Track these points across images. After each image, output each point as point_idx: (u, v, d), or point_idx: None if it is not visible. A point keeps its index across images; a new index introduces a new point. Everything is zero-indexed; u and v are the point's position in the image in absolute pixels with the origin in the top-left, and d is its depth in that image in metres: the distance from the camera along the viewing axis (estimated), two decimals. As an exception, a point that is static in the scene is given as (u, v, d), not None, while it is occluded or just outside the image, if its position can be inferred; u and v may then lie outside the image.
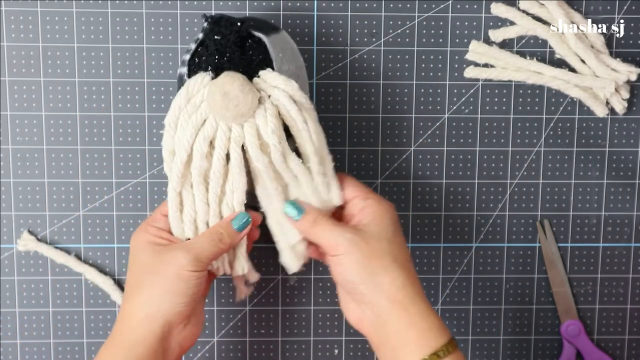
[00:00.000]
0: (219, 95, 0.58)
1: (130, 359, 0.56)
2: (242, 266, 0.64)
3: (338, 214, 0.63)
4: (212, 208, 0.62)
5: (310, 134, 0.61)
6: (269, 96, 0.60)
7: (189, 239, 0.61)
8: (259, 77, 0.60)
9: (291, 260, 0.64)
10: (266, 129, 0.59)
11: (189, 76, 0.61)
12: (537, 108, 0.72)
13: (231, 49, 0.61)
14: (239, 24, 0.61)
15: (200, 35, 0.61)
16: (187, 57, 0.62)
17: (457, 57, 0.71)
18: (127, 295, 0.60)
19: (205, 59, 0.61)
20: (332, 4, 0.70)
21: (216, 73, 0.59)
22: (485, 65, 0.71)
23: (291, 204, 0.61)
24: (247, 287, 0.68)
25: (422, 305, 0.57)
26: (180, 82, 0.62)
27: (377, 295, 0.57)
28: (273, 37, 0.62)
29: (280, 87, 0.60)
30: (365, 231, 0.59)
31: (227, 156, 0.60)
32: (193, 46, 0.61)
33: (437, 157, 0.72)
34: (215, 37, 0.60)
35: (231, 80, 0.58)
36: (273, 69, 0.61)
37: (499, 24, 0.71)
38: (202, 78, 0.60)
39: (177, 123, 0.60)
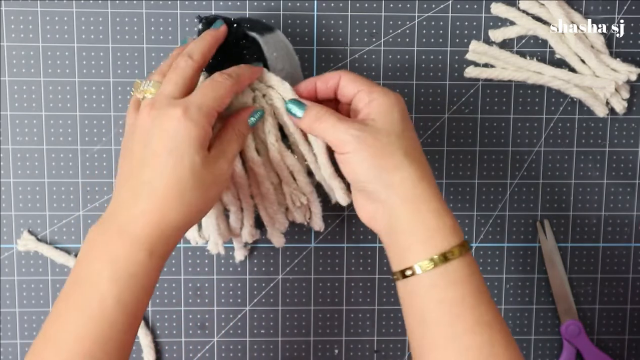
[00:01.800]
0: None
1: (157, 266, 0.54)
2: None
3: (344, 111, 0.61)
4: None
5: (302, 135, 0.61)
6: (264, 95, 0.60)
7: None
8: None
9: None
10: (262, 128, 0.60)
11: None
12: (537, 108, 0.72)
13: (225, 49, 0.61)
14: (233, 24, 0.61)
15: (195, 37, 0.62)
16: None
17: (457, 57, 0.71)
18: (160, 189, 0.53)
19: None
20: (332, 4, 0.70)
21: (211, 73, 0.60)
22: (485, 65, 0.71)
23: (292, 102, 0.59)
24: (245, 248, 0.69)
25: (434, 204, 0.54)
26: None
27: (387, 193, 0.54)
28: (267, 36, 0.62)
29: (274, 88, 0.60)
30: (373, 126, 0.55)
31: None
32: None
33: (437, 157, 0.72)
34: None
35: None
36: (268, 68, 0.61)
37: (499, 24, 0.71)
38: (200, 80, 0.60)
39: None
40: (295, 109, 0.59)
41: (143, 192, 0.53)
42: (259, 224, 0.67)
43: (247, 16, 0.68)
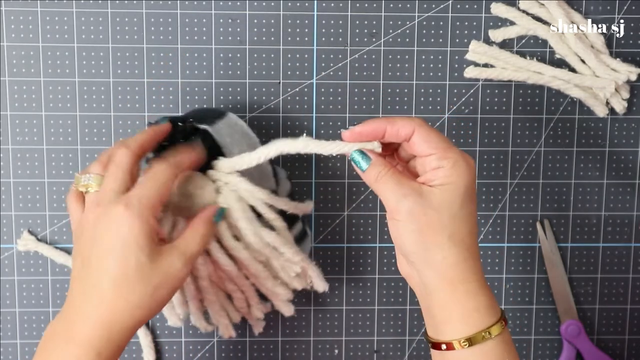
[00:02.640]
0: (177, 197, 0.60)
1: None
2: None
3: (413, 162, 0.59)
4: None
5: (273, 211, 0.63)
6: (226, 183, 0.61)
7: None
8: (212, 168, 0.62)
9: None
10: (232, 216, 0.61)
11: None
12: (537, 108, 0.72)
13: (178, 145, 0.62)
14: (179, 122, 0.62)
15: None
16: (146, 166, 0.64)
17: (457, 57, 0.71)
18: (106, 291, 0.53)
19: None
20: (332, 4, 0.70)
21: None
22: (485, 65, 0.71)
23: (359, 153, 0.57)
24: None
25: (473, 284, 0.54)
26: None
27: (426, 268, 0.54)
28: (218, 124, 0.63)
29: (234, 177, 0.61)
30: (429, 199, 0.54)
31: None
32: (150, 155, 0.63)
33: (437, 157, 0.72)
34: (163, 143, 0.62)
35: (186, 179, 0.60)
36: (224, 155, 0.62)
37: (499, 24, 0.71)
38: None
39: None
40: (360, 162, 0.57)
41: (92, 294, 0.54)
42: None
43: (189, 112, 0.68)
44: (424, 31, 0.70)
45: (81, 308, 0.54)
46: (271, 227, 0.64)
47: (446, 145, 0.55)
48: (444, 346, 0.54)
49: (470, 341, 0.53)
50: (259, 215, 0.63)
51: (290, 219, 0.66)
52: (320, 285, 0.67)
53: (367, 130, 0.56)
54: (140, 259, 0.53)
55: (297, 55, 0.70)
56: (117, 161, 0.57)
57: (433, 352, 0.56)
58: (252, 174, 0.62)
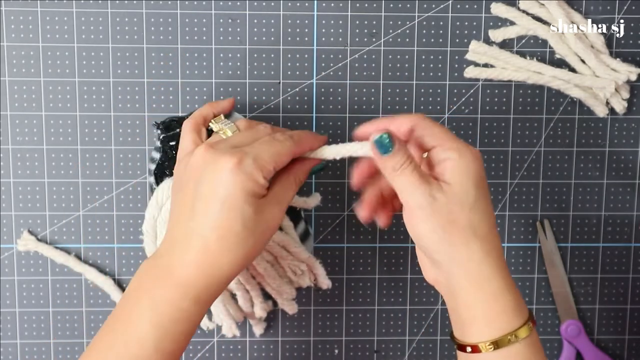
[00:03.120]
0: None
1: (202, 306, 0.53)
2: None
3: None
4: None
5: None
6: None
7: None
8: None
9: None
10: None
11: (157, 184, 0.64)
12: (537, 108, 0.72)
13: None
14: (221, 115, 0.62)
15: (158, 143, 0.64)
16: (153, 166, 0.65)
17: (457, 57, 0.71)
18: (210, 240, 0.52)
19: (167, 165, 0.64)
20: (332, 4, 0.70)
21: (170, 168, 0.61)
22: (485, 65, 0.71)
23: (381, 137, 0.53)
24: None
25: (499, 282, 0.52)
26: (151, 191, 0.65)
27: (451, 266, 0.53)
28: None
29: None
30: (448, 193, 0.52)
31: None
32: (156, 155, 0.64)
33: (437, 157, 0.72)
34: (170, 143, 0.62)
35: None
36: None
37: (499, 24, 0.71)
38: (168, 185, 0.62)
39: (155, 231, 0.64)
40: (381, 147, 0.53)
41: (194, 240, 0.52)
42: (268, 294, 0.68)
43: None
44: (424, 31, 0.70)
45: (183, 253, 0.53)
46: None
47: (449, 136, 0.54)
48: (469, 349, 0.53)
49: (496, 344, 0.52)
50: None
51: (294, 219, 0.66)
52: (324, 283, 0.67)
53: (371, 131, 0.55)
54: (247, 213, 0.52)
55: (297, 55, 0.70)
56: (258, 129, 0.56)
57: (459, 353, 0.55)
58: None
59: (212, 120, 0.59)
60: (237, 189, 0.52)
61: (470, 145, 0.54)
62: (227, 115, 0.62)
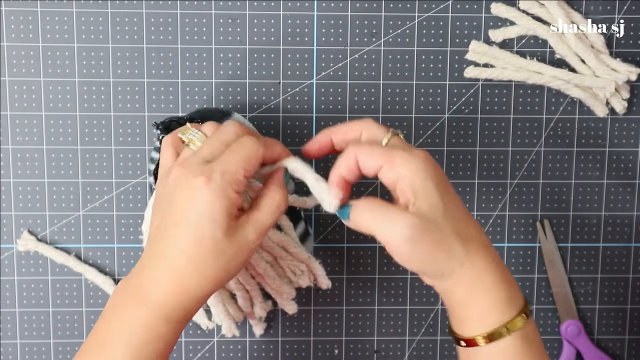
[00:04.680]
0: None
1: (175, 330, 0.53)
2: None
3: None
4: None
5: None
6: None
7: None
8: None
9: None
10: None
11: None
12: (537, 108, 0.72)
13: None
14: (186, 122, 0.61)
15: (158, 144, 0.63)
16: (152, 166, 0.65)
17: (457, 57, 0.71)
18: (179, 260, 0.52)
19: None
20: (332, 4, 0.70)
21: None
22: (485, 65, 0.71)
23: (340, 212, 0.55)
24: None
25: (491, 277, 0.53)
26: (151, 191, 0.65)
27: (443, 277, 0.53)
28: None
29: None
30: (419, 214, 0.51)
31: None
32: (156, 155, 0.64)
33: (437, 157, 0.72)
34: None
35: None
36: None
37: (499, 24, 0.71)
38: None
39: None
40: (342, 216, 0.55)
41: (164, 262, 0.52)
42: (268, 294, 0.68)
43: (196, 109, 0.68)
44: (424, 31, 0.70)
45: (153, 273, 0.53)
46: (277, 227, 0.65)
47: (388, 151, 0.53)
48: (463, 343, 0.54)
49: (490, 337, 0.52)
50: None
51: (293, 219, 0.66)
52: (324, 283, 0.67)
53: (317, 147, 0.57)
54: (217, 234, 0.52)
55: (297, 55, 0.70)
56: (224, 131, 0.55)
57: (458, 347, 0.56)
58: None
59: (180, 131, 0.58)
60: (207, 209, 0.51)
61: (414, 150, 0.54)
62: (224, 117, 0.62)
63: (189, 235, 0.52)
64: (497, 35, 0.70)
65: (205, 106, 0.70)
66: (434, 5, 0.70)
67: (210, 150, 0.54)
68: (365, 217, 0.53)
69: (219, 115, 0.65)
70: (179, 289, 0.52)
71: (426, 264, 0.53)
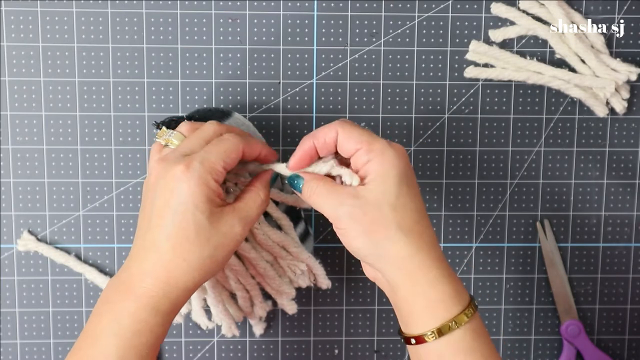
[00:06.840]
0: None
1: (166, 320, 0.54)
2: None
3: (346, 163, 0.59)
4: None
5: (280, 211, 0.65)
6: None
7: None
8: None
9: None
10: None
11: None
12: (537, 108, 0.72)
13: None
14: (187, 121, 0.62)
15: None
16: None
17: (457, 57, 0.71)
18: (164, 250, 0.53)
19: None
20: (332, 4, 0.70)
21: None
22: (485, 65, 0.71)
23: (292, 177, 0.58)
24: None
25: (434, 272, 0.53)
26: None
27: (384, 265, 0.54)
28: (225, 123, 0.63)
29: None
30: (365, 197, 0.54)
31: None
32: None
33: (437, 157, 0.72)
34: None
35: None
36: None
37: (499, 24, 0.71)
38: None
39: None
40: (295, 185, 0.58)
41: (150, 251, 0.54)
42: (268, 294, 0.68)
43: (196, 109, 0.68)
44: (424, 31, 0.70)
45: (141, 263, 0.54)
46: (277, 227, 0.65)
47: (370, 138, 0.55)
48: (413, 340, 0.54)
49: (438, 332, 0.53)
50: (264, 215, 0.64)
51: (293, 219, 0.67)
52: (324, 283, 0.67)
53: (301, 155, 0.57)
54: (199, 220, 0.53)
55: (297, 55, 0.70)
56: (203, 129, 0.57)
57: (408, 347, 0.56)
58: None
59: (157, 136, 0.59)
60: (188, 195, 0.53)
61: (393, 143, 0.55)
62: (224, 117, 0.62)
63: (173, 223, 0.53)
64: (497, 35, 0.70)
65: (205, 106, 0.70)
66: (434, 5, 0.70)
67: (189, 146, 0.56)
68: (315, 192, 0.56)
69: (219, 115, 0.65)
70: (165, 279, 0.53)
71: (365, 245, 0.54)
